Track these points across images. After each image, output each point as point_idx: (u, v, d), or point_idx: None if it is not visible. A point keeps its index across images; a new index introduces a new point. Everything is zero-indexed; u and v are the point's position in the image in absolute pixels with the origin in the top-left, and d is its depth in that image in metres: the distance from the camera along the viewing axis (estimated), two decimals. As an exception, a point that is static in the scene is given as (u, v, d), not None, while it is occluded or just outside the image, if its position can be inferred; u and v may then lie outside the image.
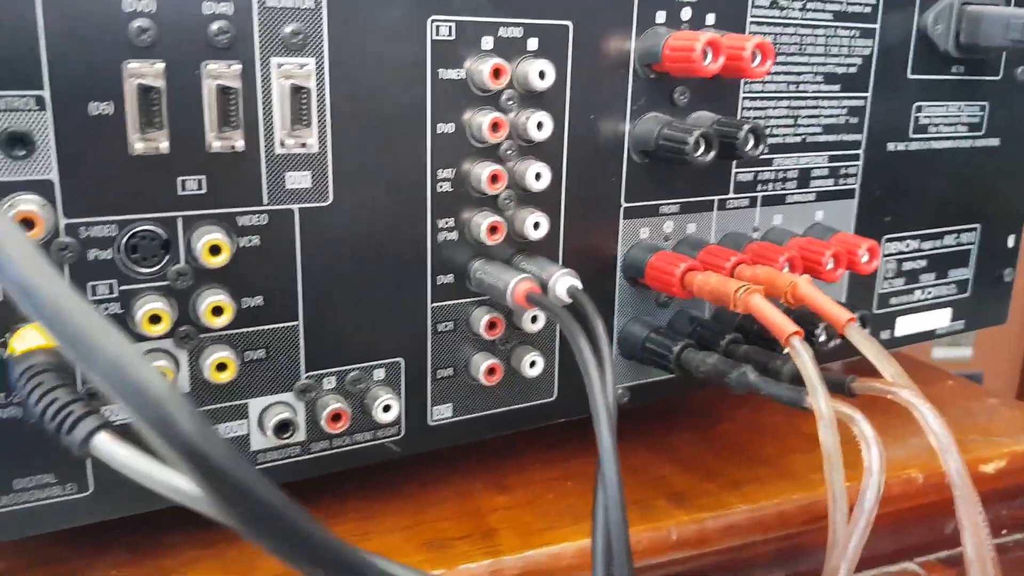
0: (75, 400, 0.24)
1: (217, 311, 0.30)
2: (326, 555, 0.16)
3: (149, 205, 0.29)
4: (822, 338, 0.41)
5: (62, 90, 0.27)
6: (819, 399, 0.31)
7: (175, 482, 0.22)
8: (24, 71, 0.26)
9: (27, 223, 0.26)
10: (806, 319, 0.40)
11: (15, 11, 0.26)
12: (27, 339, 0.27)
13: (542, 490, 0.40)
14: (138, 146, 0.28)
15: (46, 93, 0.27)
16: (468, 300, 0.36)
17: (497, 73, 0.33)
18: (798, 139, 0.43)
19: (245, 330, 0.32)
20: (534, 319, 0.36)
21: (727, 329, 0.40)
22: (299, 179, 0.31)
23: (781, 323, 0.33)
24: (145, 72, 0.28)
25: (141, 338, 0.30)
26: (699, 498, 0.40)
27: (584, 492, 0.40)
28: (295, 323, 0.32)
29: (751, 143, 0.37)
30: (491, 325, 0.35)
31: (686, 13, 0.37)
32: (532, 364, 0.37)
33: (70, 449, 0.24)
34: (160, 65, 0.28)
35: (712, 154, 0.36)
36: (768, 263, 0.39)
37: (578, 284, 0.34)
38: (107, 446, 0.23)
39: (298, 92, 0.30)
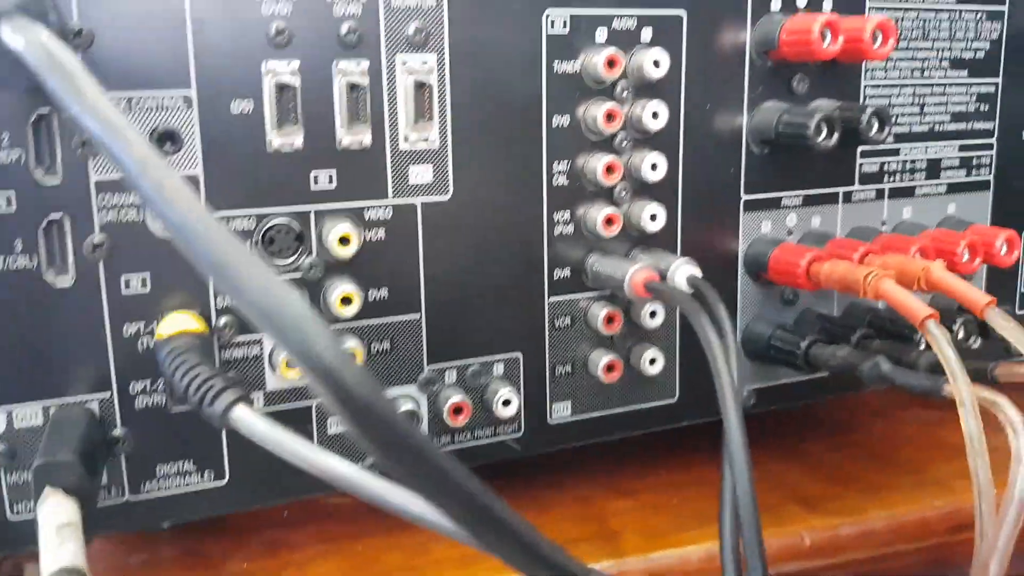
0: (215, 375, 0.25)
1: (346, 301, 0.31)
2: (459, 484, 0.16)
3: (284, 199, 0.30)
4: (960, 334, 0.39)
5: (207, 89, 0.29)
6: (959, 383, 0.29)
7: (306, 452, 0.23)
8: (174, 72, 0.28)
9: (174, 214, 0.28)
10: (943, 317, 0.38)
11: (166, 17, 0.28)
12: (171, 323, 0.28)
13: (665, 494, 0.39)
14: (275, 142, 0.30)
15: (193, 92, 0.29)
16: (585, 295, 0.36)
17: (611, 63, 0.33)
18: (925, 128, 0.41)
19: (371, 321, 0.32)
20: (653, 314, 0.36)
21: (858, 325, 0.38)
22: (421, 173, 0.32)
23: (915, 306, 0.31)
24: (281, 71, 0.29)
25: (275, 328, 0.31)
26: (833, 503, 0.38)
27: (709, 496, 0.38)
28: (417, 315, 0.33)
29: (876, 127, 0.36)
30: (609, 320, 0.35)
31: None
32: (652, 361, 0.36)
33: (211, 420, 0.25)
34: (295, 63, 0.29)
35: (834, 139, 0.35)
36: (898, 253, 0.37)
37: (698, 273, 0.33)
38: (245, 417, 0.24)
39: (421, 88, 0.31)
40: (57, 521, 0.22)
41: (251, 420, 0.24)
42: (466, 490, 0.16)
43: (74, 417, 0.28)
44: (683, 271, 0.33)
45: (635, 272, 0.32)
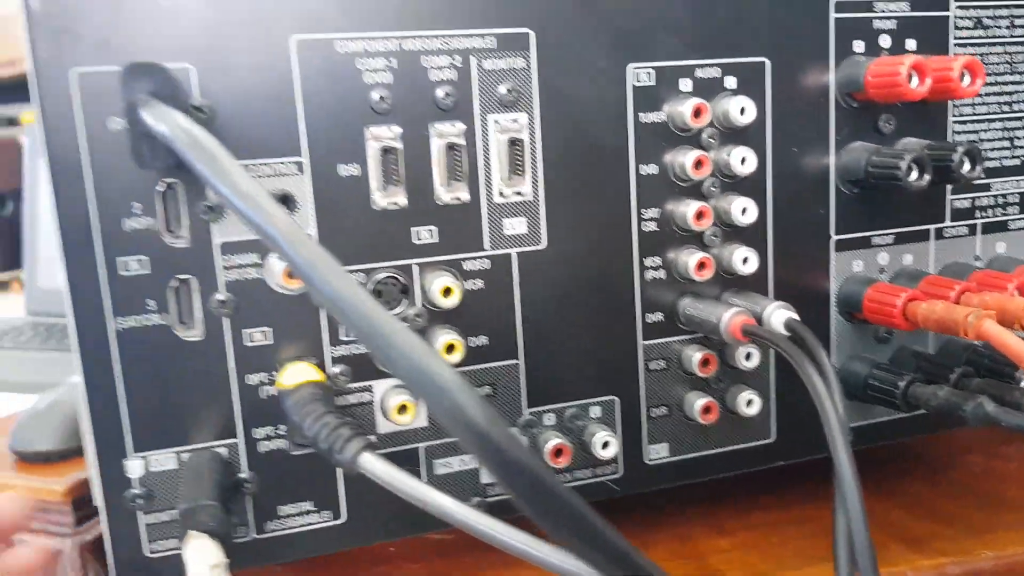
0: (343, 424, 0.27)
1: (450, 349, 0.32)
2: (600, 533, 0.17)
3: (390, 254, 0.32)
4: (1067, 372, 0.38)
5: (317, 155, 0.31)
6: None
7: (424, 493, 0.25)
8: (287, 141, 0.31)
9: (294, 273, 0.30)
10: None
11: (278, 91, 0.30)
12: (294, 374, 0.30)
13: (764, 533, 0.39)
14: (380, 202, 0.32)
15: (305, 159, 0.31)
16: (679, 338, 0.36)
17: (698, 113, 0.34)
18: (1016, 161, 0.40)
19: (473, 367, 0.34)
20: (748, 356, 0.36)
21: (955, 363, 0.38)
22: (516, 225, 0.33)
23: (1019, 347, 0.31)
24: (384, 135, 0.31)
25: (386, 374, 0.33)
26: (937, 542, 0.37)
27: (809, 535, 0.38)
28: (516, 361, 0.34)
29: (967, 165, 0.35)
30: (704, 362, 0.36)
31: (885, 40, 0.37)
32: (749, 403, 0.36)
33: (340, 466, 0.26)
34: (397, 128, 0.31)
35: (926, 178, 0.35)
36: (996, 291, 0.37)
37: (795, 316, 0.34)
38: (373, 463, 0.26)
39: (513, 145, 0.32)
40: (207, 562, 0.24)
41: (378, 465, 0.26)
42: (606, 539, 0.17)
43: (207, 462, 0.30)
44: (779, 315, 0.34)
45: (731, 316, 0.33)
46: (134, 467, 0.31)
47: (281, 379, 0.30)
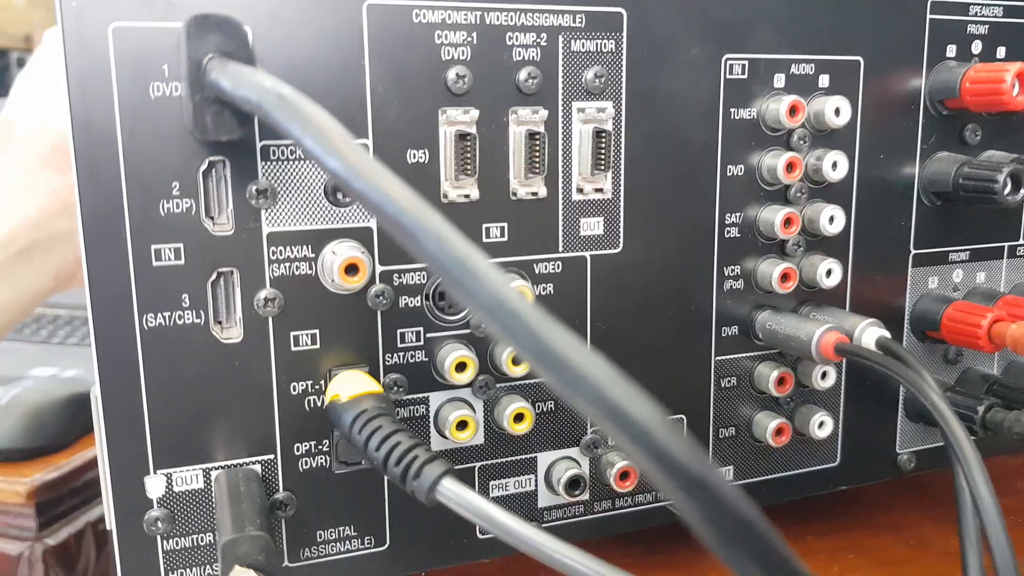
0: (416, 444, 0.24)
1: (517, 360, 0.29)
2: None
3: (454, 252, 0.29)
4: None
5: (384, 138, 0.27)
6: None
7: (520, 529, 0.21)
8: (350, 120, 0.27)
9: (352, 269, 0.27)
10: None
11: (344, 64, 0.26)
12: (349, 384, 0.26)
13: (825, 562, 0.36)
14: (450, 193, 0.28)
15: (369, 142, 0.27)
16: (752, 354, 0.33)
17: (793, 111, 0.31)
18: (1095, 179, 0.39)
19: (536, 381, 0.30)
20: (824, 375, 0.34)
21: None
22: (592, 225, 0.30)
23: None
24: (459, 119, 0.28)
25: (443, 386, 0.29)
26: None
27: (872, 565, 0.36)
28: (583, 375, 0.31)
29: (1062, 180, 0.33)
30: (780, 381, 0.33)
31: (976, 46, 0.35)
32: (821, 425, 0.34)
33: (415, 493, 0.23)
34: (474, 112, 0.28)
35: (1021, 194, 0.33)
36: (1078, 314, 0.35)
37: (887, 334, 0.31)
38: (455, 491, 0.22)
39: (599, 136, 0.29)
40: (258, 608, 0.21)
41: (462, 494, 0.22)
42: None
43: (245, 482, 0.26)
44: (871, 332, 0.31)
45: (824, 333, 0.30)
46: (155, 486, 0.27)
47: (334, 389, 0.27)
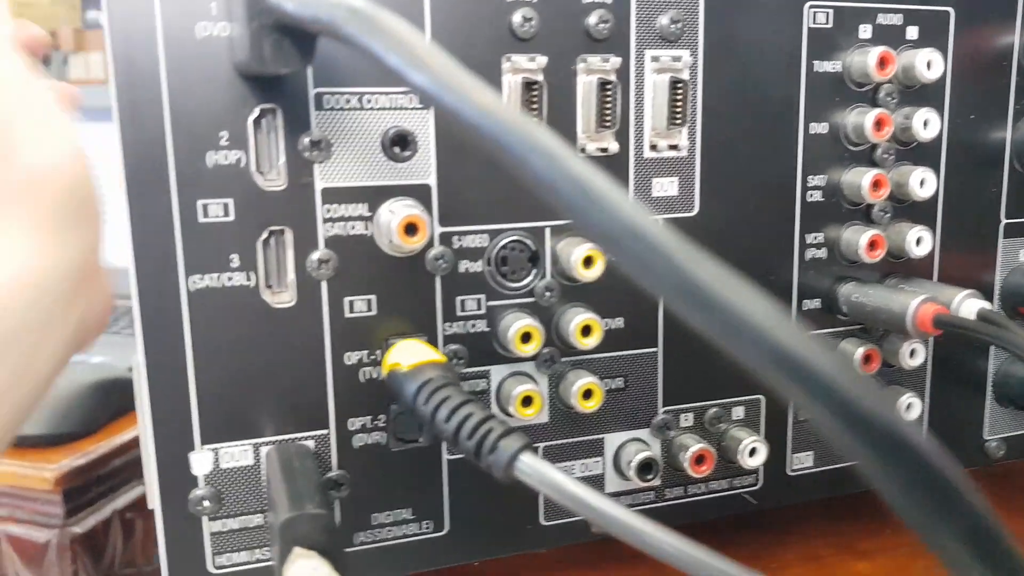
0: (489, 417, 0.21)
1: (586, 331, 0.27)
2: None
3: (520, 213, 0.27)
4: None
5: (445, 88, 0.25)
6: None
7: (605, 506, 0.19)
8: (410, 68, 0.25)
9: (412, 228, 0.24)
10: None
11: (406, 4, 0.24)
12: (408, 353, 0.24)
13: (907, 557, 0.34)
14: (515, 147, 0.26)
15: (430, 91, 0.25)
16: (834, 329, 0.31)
17: (883, 63, 0.29)
18: None
19: (604, 355, 0.28)
20: (912, 353, 0.31)
21: None
22: (666, 186, 0.28)
23: None
24: (525, 66, 0.26)
25: (505, 359, 0.27)
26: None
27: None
28: (654, 350, 0.29)
29: None
30: (867, 359, 0.31)
31: (1073, -2, 0.32)
32: (908, 407, 0.31)
33: (491, 468, 0.21)
34: (541, 59, 0.26)
35: None
36: None
37: (987, 305, 0.29)
38: (534, 466, 0.20)
39: (675, 87, 0.27)
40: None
41: (542, 469, 0.20)
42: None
43: (300, 458, 0.24)
44: (970, 304, 0.29)
45: (920, 305, 0.28)
46: (201, 462, 0.25)
47: (394, 358, 0.24)
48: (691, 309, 0.12)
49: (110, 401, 0.72)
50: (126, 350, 0.79)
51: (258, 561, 0.26)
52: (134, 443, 0.71)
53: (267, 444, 0.25)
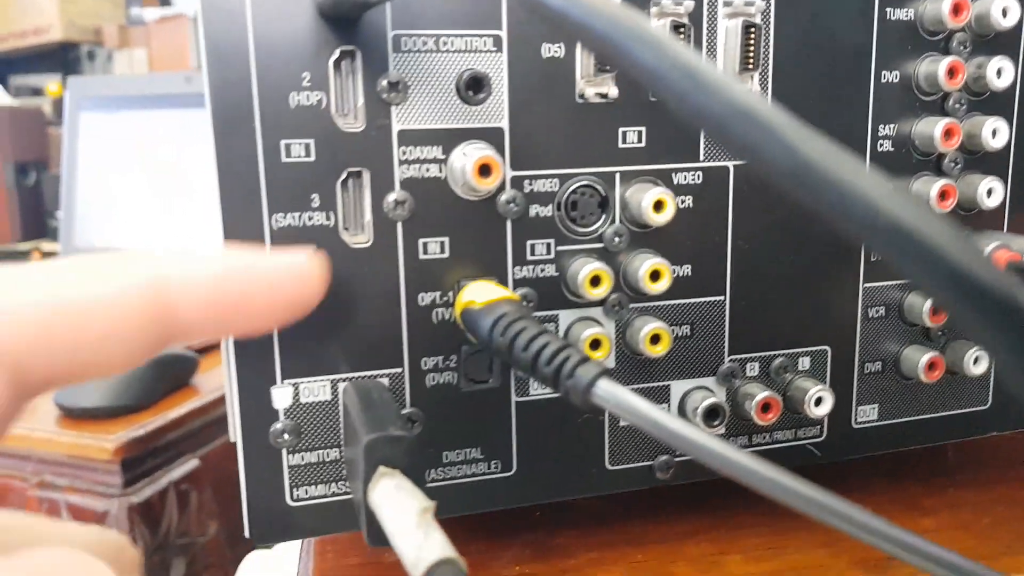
0: (568, 345, 0.22)
1: (655, 276, 0.27)
2: None
3: (590, 158, 0.27)
4: None
5: (517, 31, 0.26)
6: None
7: (681, 428, 0.19)
8: (482, 12, 0.25)
9: (486, 169, 0.25)
10: None
11: (484, -52, 0.25)
12: (481, 292, 0.25)
13: (972, 514, 0.33)
14: (588, 91, 0.26)
15: (503, 33, 0.25)
16: (902, 282, 0.31)
17: (957, 10, 0.28)
18: None
19: (671, 302, 0.28)
20: (981, 304, 0.31)
21: None
22: (734, 134, 0.28)
23: None
24: (599, 11, 0.26)
25: (573, 304, 0.27)
26: None
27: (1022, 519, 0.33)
28: (721, 298, 0.29)
29: None
30: (936, 310, 0.30)
31: None
32: (976, 361, 0.31)
33: (570, 394, 0.21)
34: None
35: None
36: None
37: (1062, 253, 0.28)
38: (612, 391, 0.20)
39: (747, 32, 0.27)
40: (413, 506, 0.19)
41: (620, 394, 0.20)
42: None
43: (377, 390, 0.25)
44: (1046, 250, 0.28)
45: (994, 251, 0.28)
46: (282, 396, 0.25)
47: (468, 296, 0.25)
48: (803, 188, 0.13)
49: (166, 375, 0.74)
50: None
51: (333, 494, 0.26)
52: (189, 416, 0.73)
53: (343, 380, 0.26)
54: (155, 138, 1.00)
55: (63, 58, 2.31)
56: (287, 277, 0.21)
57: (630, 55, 0.14)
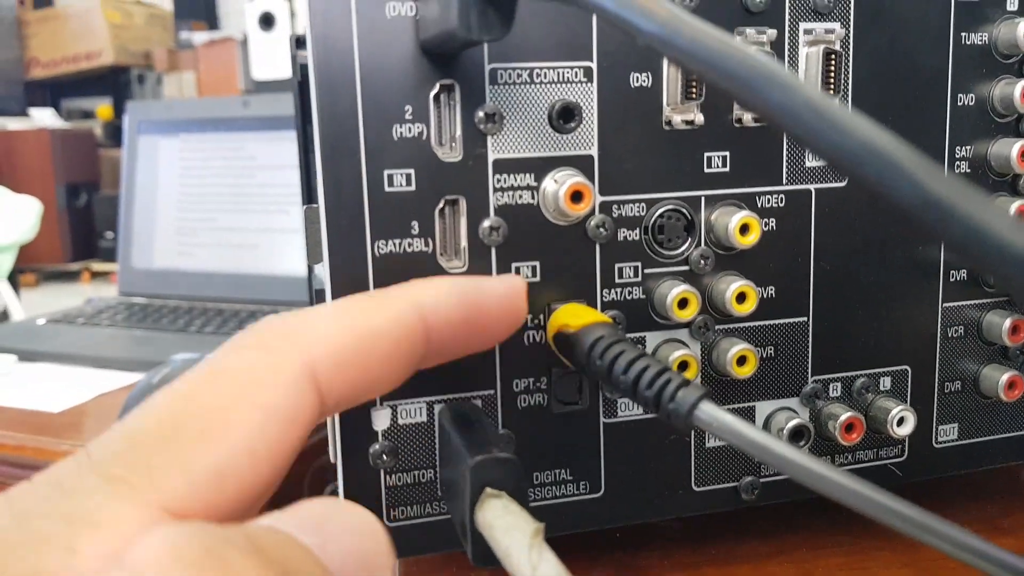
0: (667, 368, 0.22)
1: (741, 297, 0.27)
2: None
3: (677, 183, 0.28)
4: None
5: (607, 60, 0.26)
6: None
7: (785, 451, 0.20)
8: (574, 44, 0.26)
9: (578, 196, 0.26)
10: None
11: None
12: (573, 315, 0.26)
13: (1052, 538, 0.33)
14: (674, 118, 0.27)
15: (593, 64, 0.26)
16: (980, 301, 0.31)
17: (1034, 33, 0.29)
18: None
19: (756, 324, 0.29)
20: (1063, 322, 0.31)
21: None
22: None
23: None
24: (685, 41, 0.27)
25: (660, 326, 0.28)
26: None
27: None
28: (804, 319, 0.29)
29: None
30: (1014, 329, 0.30)
31: None
32: (1058, 377, 0.31)
33: (671, 417, 0.22)
34: (700, 33, 0.27)
35: None
36: None
37: None
38: (715, 415, 0.21)
39: (828, 59, 0.28)
40: (525, 529, 0.20)
41: (723, 418, 0.21)
42: None
43: (474, 412, 0.26)
44: None
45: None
46: (381, 418, 0.26)
47: (560, 320, 0.26)
48: (932, 223, 0.13)
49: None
50: (211, 349, 0.83)
51: (428, 515, 0.27)
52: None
53: (439, 402, 0.27)
54: (213, 161, 1.03)
55: (113, 81, 2.38)
56: (509, 295, 0.23)
57: (761, 95, 0.14)
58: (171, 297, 1.02)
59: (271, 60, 2.51)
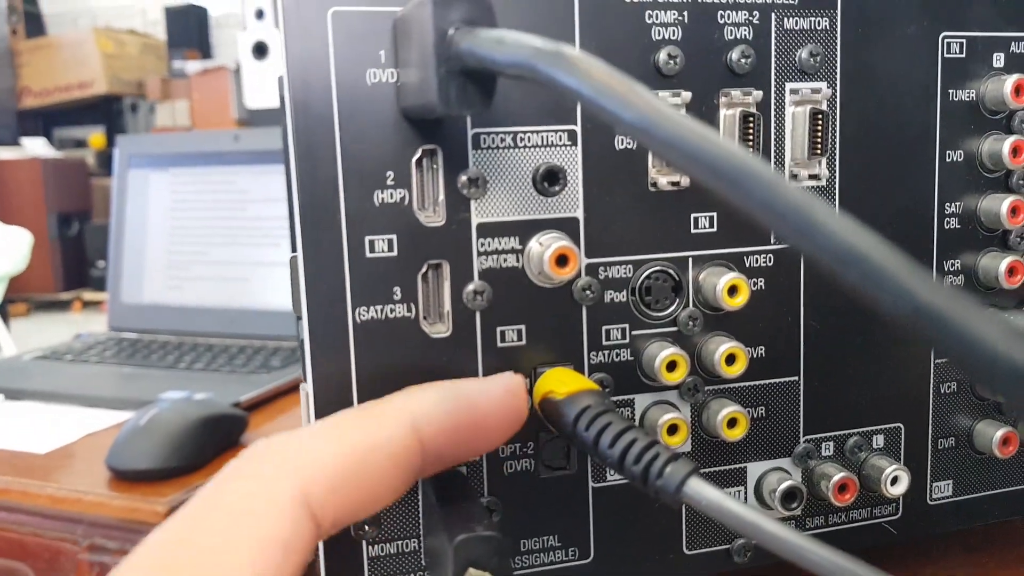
0: (655, 442, 0.22)
1: (731, 359, 0.27)
2: None
3: (663, 244, 0.27)
4: None
5: (591, 123, 0.26)
6: None
7: (777, 530, 0.20)
8: (560, 105, 0.26)
9: (563, 259, 0.25)
10: None
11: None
12: (560, 381, 0.25)
13: (1055, 595, 0.33)
14: (660, 180, 0.27)
15: (578, 127, 0.26)
16: (972, 356, 0.31)
17: (1019, 90, 0.29)
18: None
19: (746, 384, 0.29)
20: (1056, 379, 0.30)
21: None
22: (803, 216, 0.28)
23: None
24: (670, 103, 0.26)
25: (649, 388, 0.27)
26: None
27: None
28: (795, 378, 0.29)
29: None
30: (1008, 384, 0.30)
31: None
32: (1052, 434, 0.31)
33: (659, 494, 0.21)
34: (685, 94, 0.26)
35: None
36: None
37: None
38: (703, 492, 0.20)
39: (815, 119, 0.27)
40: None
41: (710, 494, 0.20)
42: None
43: (458, 481, 0.25)
44: (1124, 328, 0.28)
45: (1072, 328, 0.27)
46: (363, 487, 0.26)
47: (546, 386, 0.25)
48: (923, 328, 0.13)
49: (217, 436, 0.74)
50: (228, 386, 0.81)
51: (413, 585, 0.27)
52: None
53: (424, 470, 0.26)
54: (204, 195, 1.03)
55: (106, 110, 2.38)
56: (505, 397, 0.22)
57: (743, 192, 0.14)
58: (161, 332, 1.01)
59: (264, 88, 2.52)
